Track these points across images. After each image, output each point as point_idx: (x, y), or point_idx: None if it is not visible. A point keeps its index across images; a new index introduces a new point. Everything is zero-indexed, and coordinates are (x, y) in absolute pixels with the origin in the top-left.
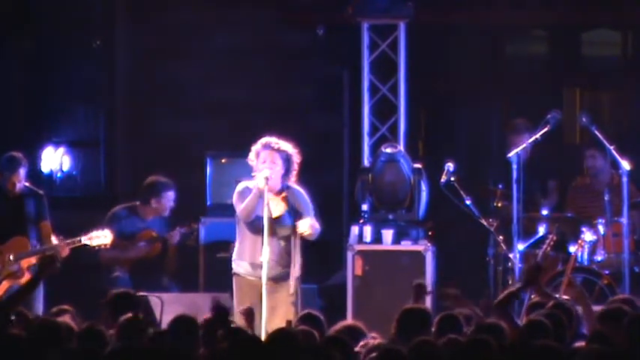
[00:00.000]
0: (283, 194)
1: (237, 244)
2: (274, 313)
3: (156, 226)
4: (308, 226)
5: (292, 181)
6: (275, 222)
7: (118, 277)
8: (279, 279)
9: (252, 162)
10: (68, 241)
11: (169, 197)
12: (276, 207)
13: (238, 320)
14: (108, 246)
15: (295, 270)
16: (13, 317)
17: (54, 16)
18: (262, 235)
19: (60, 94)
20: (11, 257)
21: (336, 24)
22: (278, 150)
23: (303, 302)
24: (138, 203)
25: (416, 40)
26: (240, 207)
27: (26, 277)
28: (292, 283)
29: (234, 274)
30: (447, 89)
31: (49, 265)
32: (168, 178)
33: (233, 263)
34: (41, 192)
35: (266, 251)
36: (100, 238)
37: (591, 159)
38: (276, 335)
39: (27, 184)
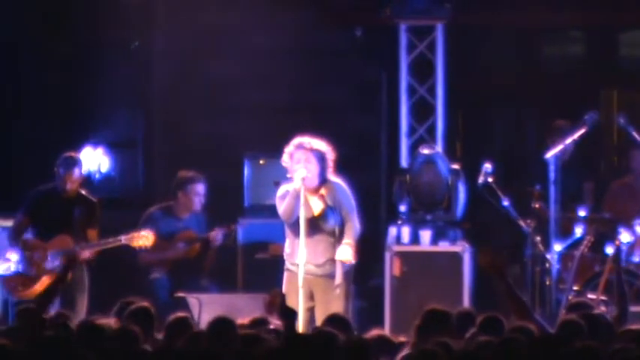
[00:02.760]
0: (321, 191)
1: (286, 245)
2: (329, 309)
3: (193, 225)
4: (348, 255)
5: (331, 174)
6: (318, 219)
7: (156, 278)
8: (332, 276)
9: (286, 163)
10: (110, 239)
11: (196, 190)
12: (316, 204)
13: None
14: (149, 247)
15: (344, 264)
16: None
17: (91, 17)
18: (302, 234)
19: (98, 95)
20: (49, 255)
21: (374, 25)
22: (311, 149)
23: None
24: (172, 203)
25: (454, 41)
26: (280, 209)
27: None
28: (339, 276)
29: (286, 269)
30: (484, 90)
31: (72, 262)
32: (198, 173)
33: (285, 263)
34: (95, 200)
35: (302, 253)
36: (142, 239)
37: (636, 160)
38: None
39: (83, 191)
